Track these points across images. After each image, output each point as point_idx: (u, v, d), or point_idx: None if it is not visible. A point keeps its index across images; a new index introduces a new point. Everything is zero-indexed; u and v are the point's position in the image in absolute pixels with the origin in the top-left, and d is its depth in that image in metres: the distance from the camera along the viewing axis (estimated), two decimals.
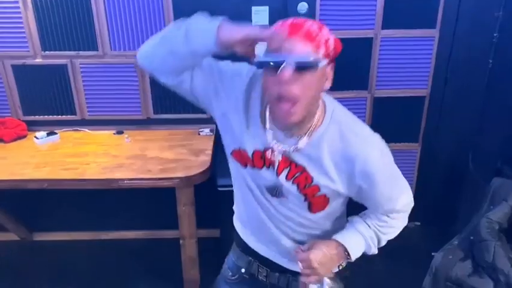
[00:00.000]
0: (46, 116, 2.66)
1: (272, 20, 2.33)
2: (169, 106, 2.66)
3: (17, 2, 2.39)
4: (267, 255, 1.38)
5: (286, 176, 1.17)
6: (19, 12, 2.41)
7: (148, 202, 2.78)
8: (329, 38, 1.04)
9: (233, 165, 1.30)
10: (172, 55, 1.08)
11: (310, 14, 2.44)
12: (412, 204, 1.29)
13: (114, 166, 2.25)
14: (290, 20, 1.03)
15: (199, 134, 2.62)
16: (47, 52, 2.51)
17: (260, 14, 2.43)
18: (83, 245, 2.94)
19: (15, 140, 2.53)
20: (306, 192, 1.18)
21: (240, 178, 1.29)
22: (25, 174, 2.18)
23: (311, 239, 1.26)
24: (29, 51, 2.50)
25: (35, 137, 2.52)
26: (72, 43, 2.49)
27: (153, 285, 2.60)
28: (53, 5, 2.40)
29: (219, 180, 2.29)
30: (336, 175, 1.14)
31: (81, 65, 2.55)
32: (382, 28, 2.52)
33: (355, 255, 1.24)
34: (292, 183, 1.17)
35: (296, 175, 1.16)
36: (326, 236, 1.28)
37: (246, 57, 1.04)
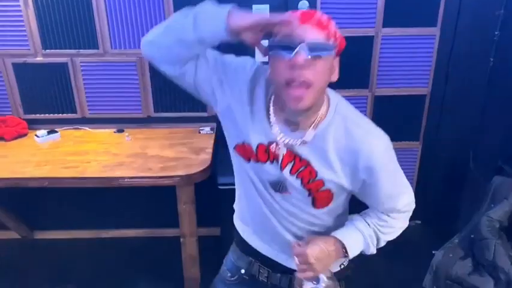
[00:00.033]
0: (47, 115, 2.67)
1: None
2: (170, 104, 2.66)
3: (17, 1, 2.39)
4: (269, 254, 1.36)
5: (290, 170, 1.16)
6: (20, 11, 2.41)
7: (148, 200, 2.79)
8: (336, 31, 1.05)
9: (236, 160, 1.28)
10: (179, 43, 1.06)
11: None
12: (413, 205, 1.28)
13: (114, 164, 2.25)
14: (300, 11, 1.03)
15: (199, 133, 2.62)
16: (47, 50, 2.51)
17: (261, 12, 2.43)
18: (83, 243, 2.95)
19: (16, 138, 2.54)
20: (310, 187, 1.17)
21: (243, 173, 1.27)
22: (26, 173, 2.19)
23: (313, 236, 1.25)
24: (29, 49, 2.50)
25: (36, 135, 2.52)
26: (73, 41, 2.49)
27: (154, 284, 2.60)
28: (53, 3, 2.40)
29: (220, 179, 2.29)
30: (340, 169, 1.14)
31: (81, 63, 2.55)
32: (383, 26, 2.52)
33: (353, 252, 1.23)
34: (296, 177, 1.17)
35: (300, 169, 1.16)
36: (328, 233, 1.26)
37: (253, 46, 1.02)
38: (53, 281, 2.62)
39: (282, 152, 1.15)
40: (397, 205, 1.23)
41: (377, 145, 1.12)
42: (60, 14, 2.43)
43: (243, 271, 1.44)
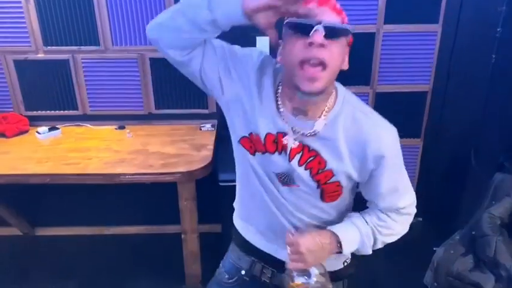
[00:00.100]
0: (48, 111, 2.67)
1: None
2: (171, 101, 2.66)
3: None
4: (273, 253, 1.32)
5: (299, 161, 1.15)
6: (21, 7, 2.41)
7: (150, 197, 2.79)
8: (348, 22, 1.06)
9: (240, 155, 1.25)
10: (191, 25, 1.02)
11: None
12: (413, 209, 1.26)
13: (115, 161, 2.26)
14: None
15: (200, 129, 2.62)
16: (48, 47, 2.51)
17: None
18: (84, 240, 2.95)
19: (17, 135, 2.54)
20: (319, 178, 1.15)
21: (247, 168, 1.24)
22: (27, 169, 2.19)
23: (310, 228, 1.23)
24: (30, 46, 2.50)
25: (37, 132, 2.53)
26: (74, 38, 2.49)
27: (155, 280, 2.60)
28: (54, 0, 2.40)
29: (221, 175, 2.29)
30: (349, 159, 1.13)
31: (82, 60, 2.54)
32: (385, 23, 2.51)
33: (348, 248, 1.19)
34: (305, 168, 1.15)
35: (309, 160, 1.14)
36: None
37: (266, 30, 1.00)
38: (55, 278, 2.63)
39: (291, 142, 1.14)
40: (397, 203, 1.21)
41: (386, 135, 1.13)
42: (61, 10, 2.43)
43: (243, 272, 1.41)
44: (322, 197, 1.19)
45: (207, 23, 1.01)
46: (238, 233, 1.41)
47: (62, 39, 2.49)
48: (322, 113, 1.12)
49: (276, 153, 1.16)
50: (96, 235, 2.99)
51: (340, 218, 1.26)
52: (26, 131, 2.58)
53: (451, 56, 2.60)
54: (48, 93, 2.62)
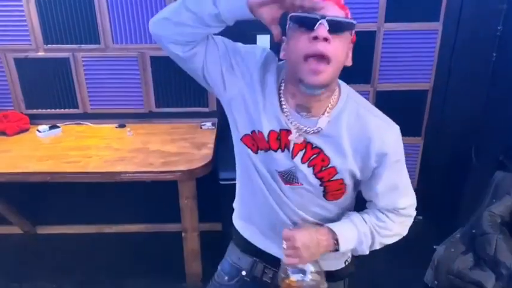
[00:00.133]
0: (48, 110, 2.67)
1: None
2: (172, 99, 2.66)
3: None
4: (275, 253, 1.29)
5: (302, 158, 1.14)
6: (21, 6, 2.41)
7: (150, 195, 2.79)
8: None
9: (242, 154, 1.23)
10: (195, 19, 1.02)
11: None
12: (413, 211, 1.25)
13: (116, 159, 2.26)
14: None
15: (201, 128, 2.62)
16: (49, 45, 2.51)
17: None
18: (85, 238, 2.95)
19: (18, 133, 2.54)
20: (322, 176, 1.15)
21: (248, 167, 1.22)
22: (28, 168, 2.19)
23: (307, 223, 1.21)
24: (31, 44, 2.50)
25: (38, 130, 2.53)
26: (74, 36, 2.49)
27: (155, 278, 2.61)
28: None
29: (221, 174, 2.29)
30: (352, 156, 1.13)
31: (83, 59, 2.54)
32: (385, 21, 2.51)
33: (344, 246, 1.17)
34: (308, 166, 1.14)
35: (312, 157, 1.13)
36: None
37: (270, 25, 1.00)
38: (55, 276, 2.63)
39: (294, 139, 1.13)
40: (397, 203, 1.20)
41: (390, 133, 1.13)
42: (62, 8, 2.43)
43: (244, 272, 1.38)
44: (325, 195, 1.19)
45: (211, 17, 1.01)
46: (239, 233, 1.39)
47: (63, 38, 2.49)
48: (325, 110, 1.11)
49: (279, 150, 1.16)
50: (97, 233, 3.00)
51: (340, 218, 1.25)
52: (27, 130, 2.59)
53: (451, 54, 2.60)
54: (49, 92, 2.62)
